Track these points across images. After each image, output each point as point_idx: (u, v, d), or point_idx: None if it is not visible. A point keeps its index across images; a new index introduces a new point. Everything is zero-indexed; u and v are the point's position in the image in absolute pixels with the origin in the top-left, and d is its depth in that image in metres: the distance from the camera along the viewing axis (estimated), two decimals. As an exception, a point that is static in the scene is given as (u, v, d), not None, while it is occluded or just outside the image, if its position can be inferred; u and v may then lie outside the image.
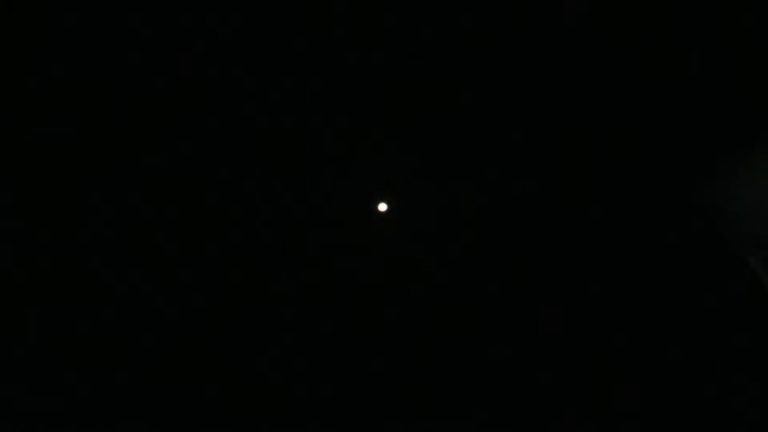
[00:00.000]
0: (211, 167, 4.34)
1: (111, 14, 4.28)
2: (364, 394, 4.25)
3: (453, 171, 4.34)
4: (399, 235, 4.31)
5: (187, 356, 4.25)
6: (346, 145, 4.34)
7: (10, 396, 4.18)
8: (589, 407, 4.18)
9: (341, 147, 4.34)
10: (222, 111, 4.35)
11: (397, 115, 4.34)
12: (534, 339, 4.27)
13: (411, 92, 4.32)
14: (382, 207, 4.29)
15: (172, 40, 4.32)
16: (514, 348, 4.27)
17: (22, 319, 4.25)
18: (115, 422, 4.14)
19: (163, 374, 4.24)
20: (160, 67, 4.32)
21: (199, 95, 4.34)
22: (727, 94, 4.22)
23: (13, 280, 4.26)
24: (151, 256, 4.30)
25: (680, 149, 4.27)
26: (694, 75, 4.18)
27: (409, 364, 4.27)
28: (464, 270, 4.31)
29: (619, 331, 4.25)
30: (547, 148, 4.34)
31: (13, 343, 4.23)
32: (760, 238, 3.97)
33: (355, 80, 4.33)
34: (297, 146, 4.35)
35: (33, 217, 4.29)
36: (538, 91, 4.33)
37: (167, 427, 4.16)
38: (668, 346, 4.21)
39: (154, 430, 4.15)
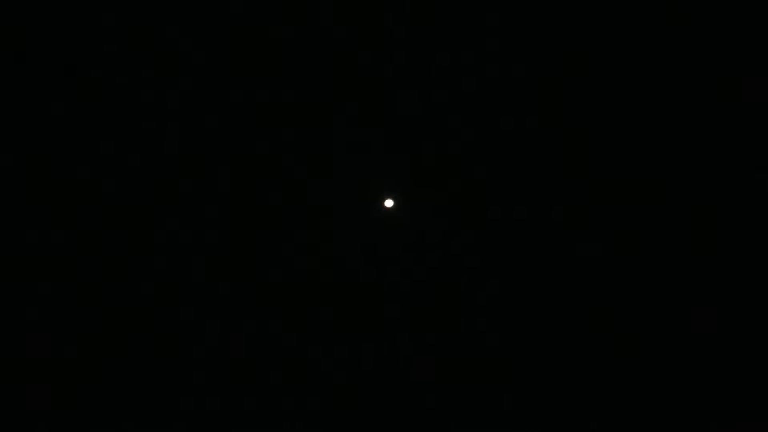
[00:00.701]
0: (214, 167, 4.33)
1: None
2: (366, 393, 4.24)
3: (457, 169, 4.34)
4: (405, 231, 4.30)
5: (188, 356, 4.24)
6: (352, 140, 4.34)
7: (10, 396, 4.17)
8: (589, 407, 4.20)
9: (347, 143, 4.34)
10: (225, 110, 4.34)
11: (401, 113, 4.34)
12: (538, 339, 4.28)
13: (418, 91, 4.32)
14: (388, 203, 4.28)
15: (174, 38, 4.31)
16: (518, 346, 4.27)
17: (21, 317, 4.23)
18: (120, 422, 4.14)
19: (164, 374, 4.23)
20: (161, 64, 4.31)
21: (199, 94, 4.33)
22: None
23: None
24: (151, 256, 4.28)
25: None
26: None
27: (411, 362, 4.27)
28: (468, 268, 4.31)
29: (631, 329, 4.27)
30: (552, 146, 4.34)
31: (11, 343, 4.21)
32: None
33: (363, 77, 4.33)
34: (301, 143, 4.34)
35: (33, 214, 4.27)
36: (542, 87, 4.34)
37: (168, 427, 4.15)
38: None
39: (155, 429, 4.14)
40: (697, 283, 4.24)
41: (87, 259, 4.25)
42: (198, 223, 4.30)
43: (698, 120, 4.30)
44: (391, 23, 4.31)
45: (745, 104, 4.27)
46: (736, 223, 4.25)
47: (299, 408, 4.21)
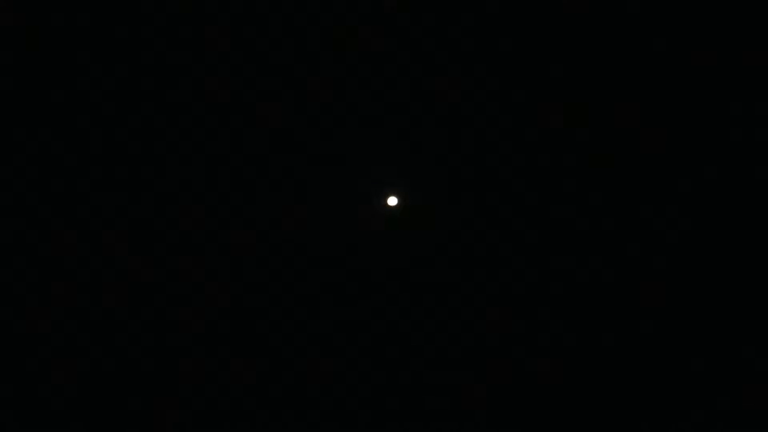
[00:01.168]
0: (213, 167, 4.33)
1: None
2: (372, 392, 4.25)
3: (461, 165, 4.35)
4: (408, 229, 4.31)
5: (191, 357, 4.24)
6: (354, 138, 4.34)
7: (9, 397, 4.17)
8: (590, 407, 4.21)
9: (347, 143, 4.35)
10: (225, 110, 4.35)
11: (404, 108, 4.35)
12: (541, 338, 4.29)
13: (418, 90, 4.34)
14: (392, 201, 4.29)
15: (173, 37, 4.31)
16: (525, 345, 4.28)
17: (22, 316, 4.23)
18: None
19: (167, 374, 4.23)
20: (160, 63, 4.31)
21: (199, 95, 4.33)
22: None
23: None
24: (152, 256, 4.28)
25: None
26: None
27: (416, 359, 4.28)
28: (474, 265, 4.32)
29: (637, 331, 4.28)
30: (554, 146, 4.35)
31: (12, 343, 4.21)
32: None
33: (363, 77, 4.34)
34: (303, 140, 4.35)
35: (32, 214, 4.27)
36: (544, 86, 4.35)
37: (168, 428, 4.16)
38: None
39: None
40: (697, 283, 4.26)
41: (86, 259, 4.25)
42: (197, 223, 4.30)
43: (698, 119, 4.32)
44: (391, 23, 4.32)
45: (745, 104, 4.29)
46: (736, 223, 4.26)
47: (299, 410, 4.22)
